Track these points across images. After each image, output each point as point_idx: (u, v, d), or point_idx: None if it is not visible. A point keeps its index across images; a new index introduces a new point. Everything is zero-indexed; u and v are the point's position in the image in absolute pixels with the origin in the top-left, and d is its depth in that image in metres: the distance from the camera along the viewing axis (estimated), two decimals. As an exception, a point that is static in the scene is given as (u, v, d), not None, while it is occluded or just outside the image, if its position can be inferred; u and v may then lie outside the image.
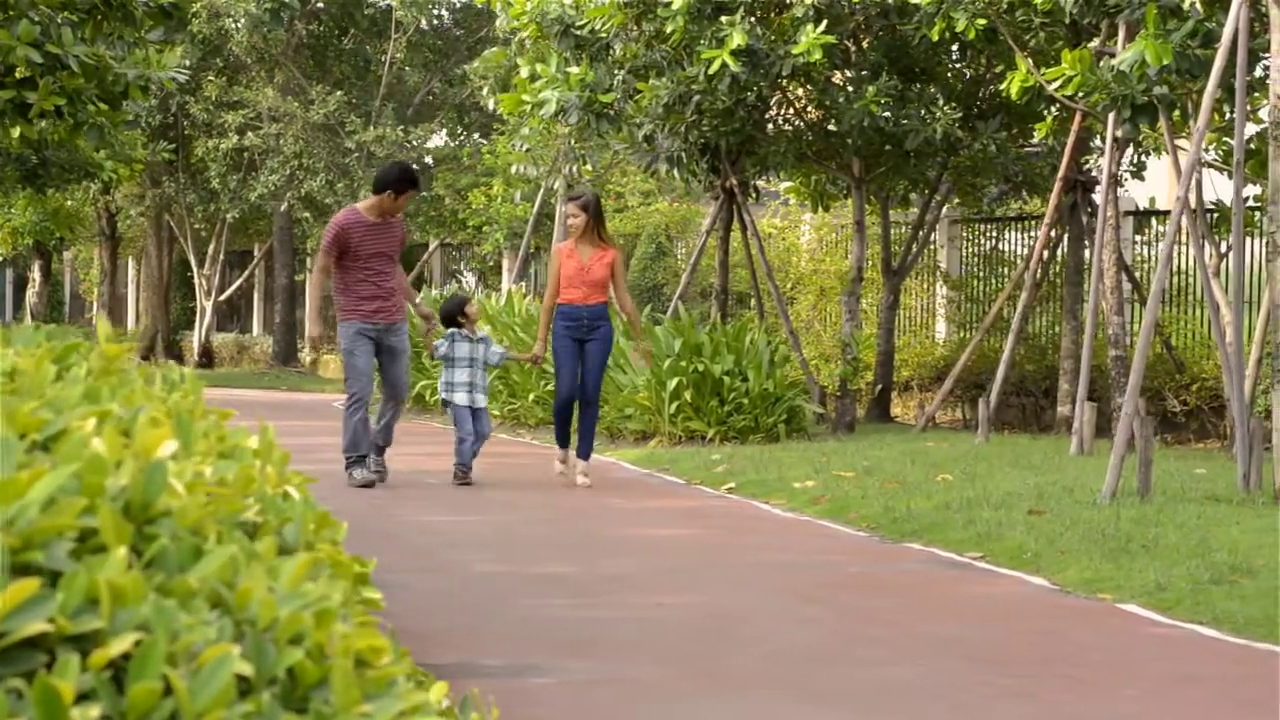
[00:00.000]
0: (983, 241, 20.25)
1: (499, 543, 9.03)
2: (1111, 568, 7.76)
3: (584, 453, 11.90)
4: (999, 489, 10.52)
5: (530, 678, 5.55)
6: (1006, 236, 19.96)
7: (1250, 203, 14.80)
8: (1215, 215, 15.50)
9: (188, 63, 28.33)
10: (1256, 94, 13.65)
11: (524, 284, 23.02)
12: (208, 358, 35.17)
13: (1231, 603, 6.88)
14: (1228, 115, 14.23)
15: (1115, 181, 13.97)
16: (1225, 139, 15.52)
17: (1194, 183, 17.21)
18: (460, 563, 8.23)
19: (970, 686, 5.45)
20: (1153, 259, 17.94)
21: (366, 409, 11.51)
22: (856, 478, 11.50)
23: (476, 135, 31.53)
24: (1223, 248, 14.96)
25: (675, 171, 16.96)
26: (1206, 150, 16.08)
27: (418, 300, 12.19)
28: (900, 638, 6.33)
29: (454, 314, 12.09)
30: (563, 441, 12.11)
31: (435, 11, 32.07)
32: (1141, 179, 18.41)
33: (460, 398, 11.82)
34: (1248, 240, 15.37)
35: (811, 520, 10.08)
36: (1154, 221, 18.44)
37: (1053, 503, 9.83)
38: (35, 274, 37.89)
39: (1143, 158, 17.89)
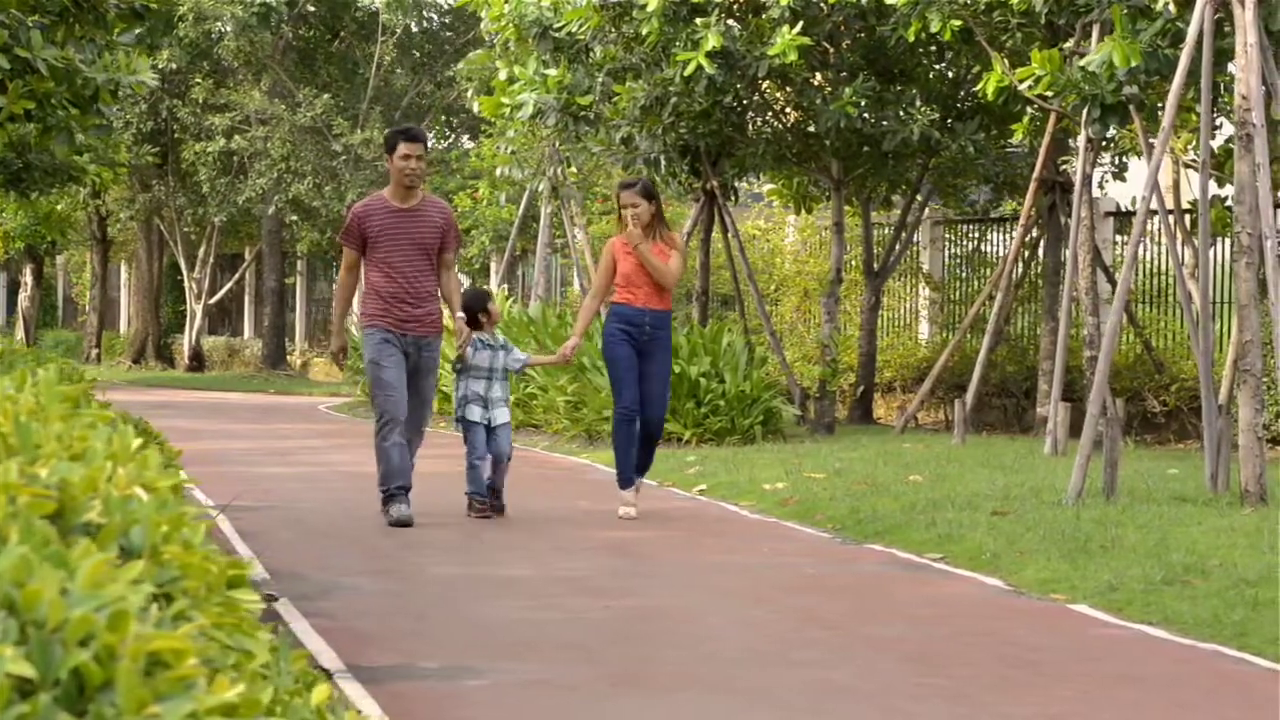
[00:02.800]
0: (965, 243, 20.25)
1: (459, 546, 9.01)
2: (1068, 568, 7.75)
3: (639, 472, 10.24)
4: (966, 490, 10.51)
5: (465, 680, 5.54)
6: (989, 237, 19.96)
7: (1228, 202, 14.78)
8: (1193, 216, 15.48)
9: (173, 65, 28.36)
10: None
11: (506, 286, 22.98)
12: (198, 361, 35.22)
13: (1182, 603, 6.87)
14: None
15: (1089, 182, 13.96)
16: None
17: (1172, 183, 17.20)
18: (416, 565, 8.21)
19: (902, 688, 5.43)
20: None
21: (401, 431, 9.67)
22: (827, 479, 11.48)
23: (465, 138, 31.55)
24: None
25: (655, 174, 16.94)
26: (1185, 151, 16.07)
27: (458, 315, 10.02)
28: (840, 639, 6.31)
29: (474, 311, 10.14)
30: (626, 478, 10.04)
31: (425, 14, 32.09)
32: (1124, 179, 18.41)
33: (475, 412, 10.07)
34: (1228, 240, 15.36)
35: (778, 522, 10.05)
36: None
37: (1018, 503, 9.83)
38: (27, 278, 37.94)
39: (1122, 158, 17.91)
